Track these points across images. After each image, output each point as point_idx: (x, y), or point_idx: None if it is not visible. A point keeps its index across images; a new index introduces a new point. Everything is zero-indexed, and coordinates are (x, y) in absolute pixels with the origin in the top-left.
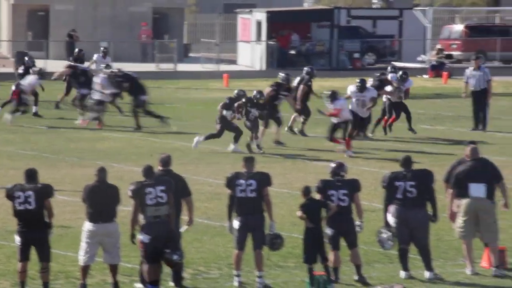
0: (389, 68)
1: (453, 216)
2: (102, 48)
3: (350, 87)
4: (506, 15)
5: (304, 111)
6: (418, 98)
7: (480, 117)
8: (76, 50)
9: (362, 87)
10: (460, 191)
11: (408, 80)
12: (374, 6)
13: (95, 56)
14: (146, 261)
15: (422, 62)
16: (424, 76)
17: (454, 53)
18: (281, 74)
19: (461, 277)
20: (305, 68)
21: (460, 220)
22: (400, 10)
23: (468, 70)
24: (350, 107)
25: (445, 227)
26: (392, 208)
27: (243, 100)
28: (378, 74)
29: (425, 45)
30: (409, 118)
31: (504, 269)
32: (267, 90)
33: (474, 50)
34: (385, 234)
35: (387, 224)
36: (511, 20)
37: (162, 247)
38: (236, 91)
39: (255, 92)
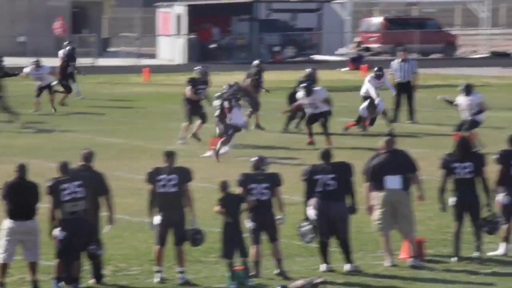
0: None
1: (371, 209)
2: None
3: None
4: (424, 7)
5: (253, 104)
6: (338, 90)
7: (409, 109)
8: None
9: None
10: (377, 183)
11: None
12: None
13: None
14: (59, 257)
15: (342, 55)
16: (344, 69)
17: (373, 45)
18: (197, 68)
19: (380, 269)
20: (255, 62)
21: (377, 213)
22: (320, 3)
23: (394, 62)
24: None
25: (365, 219)
26: (312, 201)
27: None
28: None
29: (344, 38)
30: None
31: (422, 260)
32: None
33: (393, 43)
34: (306, 228)
35: (307, 218)
36: (429, 12)
37: (83, 243)
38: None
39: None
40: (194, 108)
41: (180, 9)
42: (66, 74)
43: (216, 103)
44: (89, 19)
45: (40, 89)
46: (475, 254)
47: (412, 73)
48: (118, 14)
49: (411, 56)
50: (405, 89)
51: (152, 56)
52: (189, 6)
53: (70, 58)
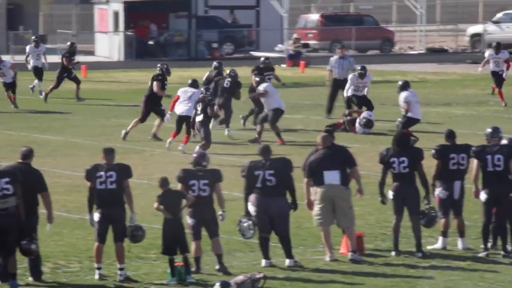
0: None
1: (310, 204)
2: (33, 38)
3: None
4: (361, 4)
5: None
6: (277, 87)
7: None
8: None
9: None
10: (316, 179)
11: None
12: None
13: (28, 48)
14: None
15: (280, 51)
16: (282, 65)
17: (310, 42)
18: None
19: (321, 264)
20: (213, 63)
21: (316, 208)
22: (257, 0)
23: (332, 58)
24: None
25: (305, 214)
26: (252, 197)
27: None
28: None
29: (282, 35)
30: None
31: (361, 254)
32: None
33: (330, 39)
34: (246, 223)
35: (247, 213)
36: (365, 9)
37: (15, 239)
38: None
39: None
40: (154, 106)
41: (117, 6)
42: (68, 69)
43: (198, 107)
44: (25, 15)
45: (6, 85)
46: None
47: (350, 70)
48: (55, 10)
49: (348, 53)
50: (342, 85)
51: (90, 53)
52: (126, 2)
53: (71, 54)
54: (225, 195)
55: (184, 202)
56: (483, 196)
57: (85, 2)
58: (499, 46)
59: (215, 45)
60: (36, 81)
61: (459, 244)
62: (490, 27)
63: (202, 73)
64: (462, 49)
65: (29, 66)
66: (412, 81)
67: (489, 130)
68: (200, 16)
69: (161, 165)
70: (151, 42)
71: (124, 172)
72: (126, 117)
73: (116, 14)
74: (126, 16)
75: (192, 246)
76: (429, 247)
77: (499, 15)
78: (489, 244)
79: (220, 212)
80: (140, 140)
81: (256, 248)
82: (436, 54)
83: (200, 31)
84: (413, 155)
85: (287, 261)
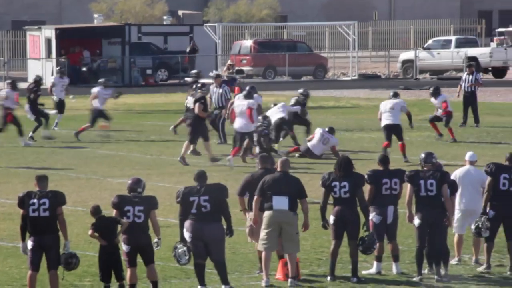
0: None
1: (256, 222)
2: (58, 68)
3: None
4: (293, 31)
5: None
6: None
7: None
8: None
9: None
10: (263, 200)
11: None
12: (165, 23)
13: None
14: None
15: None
16: None
17: (244, 68)
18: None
19: None
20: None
21: (263, 232)
22: (191, 26)
23: (211, 86)
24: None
25: (240, 240)
26: (187, 223)
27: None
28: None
29: (217, 61)
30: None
31: (298, 280)
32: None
33: (264, 65)
34: (181, 249)
35: (182, 239)
36: (299, 36)
37: None
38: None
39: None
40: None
41: (49, 33)
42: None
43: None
44: None
45: None
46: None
47: (226, 98)
48: None
49: (282, 79)
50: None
51: (23, 79)
52: (58, 29)
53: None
54: (160, 222)
55: (119, 228)
56: (416, 221)
57: (16, 28)
58: (436, 91)
59: (149, 71)
60: (54, 111)
61: (394, 268)
62: (421, 54)
63: (137, 100)
64: (394, 75)
65: (54, 98)
66: (346, 107)
67: (422, 155)
68: (133, 43)
69: (95, 191)
70: (84, 69)
71: (57, 199)
72: (60, 144)
73: (48, 41)
74: (58, 42)
75: (128, 273)
76: (364, 272)
77: (430, 41)
78: (427, 269)
79: (155, 240)
80: (73, 168)
81: (192, 275)
82: (368, 80)
83: (133, 57)
84: (354, 180)
85: (223, 287)
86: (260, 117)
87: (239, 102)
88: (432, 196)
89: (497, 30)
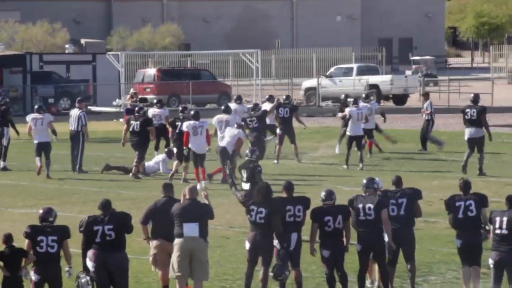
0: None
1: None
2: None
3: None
4: (197, 59)
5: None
6: (115, 141)
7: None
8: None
9: None
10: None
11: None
12: (67, 51)
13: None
14: None
15: (118, 106)
16: (121, 119)
17: (148, 96)
18: None
19: None
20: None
21: (175, 260)
22: (93, 55)
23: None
24: None
25: (144, 269)
26: (90, 252)
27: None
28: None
29: (120, 89)
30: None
31: None
32: None
33: (168, 94)
34: (84, 279)
35: (85, 269)
36: (202, 64)
37: None
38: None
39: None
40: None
41: None
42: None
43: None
44: None
45: None
46: None
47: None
48: None
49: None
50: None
51: None
52: None
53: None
54: (73, 251)
55: (23, 261)
56: (358, 246)
57: None
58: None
59: (51, 100)
60: None
61: None
62: (324, 81)
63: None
64: (298, 103)
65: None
66: None
67: (364, 181)
68: (35, 71)
69: (8, 221)
70: None
71: None
72: None
73: None
74: None
75: None
76: None
77: (332, 69)
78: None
79: (67, 268)
80: None
81: None
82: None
83: (35, 86)
84: (270, 207)
85: None
86: (247, 151)
87: (195, 124)
88: (370, 220)
89: (411, 58)
